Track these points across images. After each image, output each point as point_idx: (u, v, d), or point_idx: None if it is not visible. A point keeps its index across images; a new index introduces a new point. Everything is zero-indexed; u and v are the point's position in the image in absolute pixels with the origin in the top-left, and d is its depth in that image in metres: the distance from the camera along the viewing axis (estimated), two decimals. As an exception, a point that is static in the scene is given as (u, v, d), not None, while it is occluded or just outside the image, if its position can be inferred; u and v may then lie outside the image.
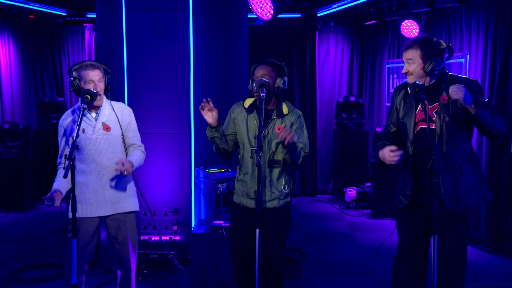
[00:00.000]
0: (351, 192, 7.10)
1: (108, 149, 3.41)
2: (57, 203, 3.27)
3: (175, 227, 4.73)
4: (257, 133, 3.30)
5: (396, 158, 3.04)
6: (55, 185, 3.34)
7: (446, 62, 3.12)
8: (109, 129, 3.41)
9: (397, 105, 3.26)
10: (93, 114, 3.42)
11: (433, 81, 3.14)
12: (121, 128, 3.47)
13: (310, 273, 4.74)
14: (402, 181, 3.24)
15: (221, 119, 3.50)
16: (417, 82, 3.04)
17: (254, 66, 3.43)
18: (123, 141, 3.51)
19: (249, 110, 3.42)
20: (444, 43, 3.13)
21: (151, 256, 4.65)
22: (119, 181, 3.47)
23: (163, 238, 4.74)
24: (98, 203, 3.41)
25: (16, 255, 4.95)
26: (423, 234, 3.21)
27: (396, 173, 3.39)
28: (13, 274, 4.57)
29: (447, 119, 3.05)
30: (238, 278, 3.55)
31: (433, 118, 3.09)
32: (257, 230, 3.04)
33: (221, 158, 3.53)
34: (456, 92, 2.89)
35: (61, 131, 3.45)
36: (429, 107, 3.10)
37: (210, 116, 3.27)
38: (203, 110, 3.27)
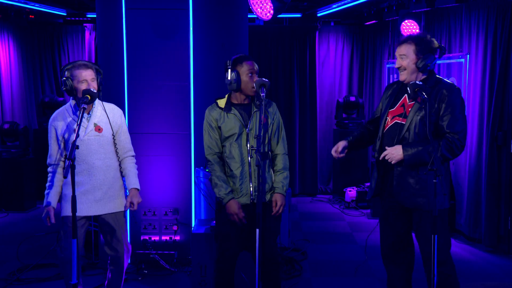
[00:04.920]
0: (351, 192, 7.10)
1: (99, 150, 3.42)
2: (53, 219, 3.32)
3: (175, 227, 4.73)
4: (247, 129, 3.31)
5: (335, 155, 3.34)
6: (48, 199, 3.36)
7: (438, 61, 3.19)
8: (100, 130, 3.41)
9: (383, 100, 3.37)
10: (85, 115, 3.40)
11: (423, 77, 3.17)
12: (112, 129, 3.46)
13: (310, 273, 4.74)
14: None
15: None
16: (417, 82, 3.06)
17: (238, 58, 3.35)
18: (114, 143, 3.50)
19: (227, 108, 3.36)
20: (436, 43, 3.16)
21: (151, 256, 4.65)
22: (109, 182, 3.47)
23: (163, 238, 4.74)
24: (88, 203, 3.41)
25: (16, 255, 4.95)
26: (402, 229, 3.26)
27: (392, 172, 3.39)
28: (13, 274, 4.57)
29: (418, 118, 3.09)
30: (219, 281, 3.44)
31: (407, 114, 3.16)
32: (257, 230, 3.02)
33: None
34: (391, 158, 3.06)
35: (52, 131, 3.44)
36: (408, 103, 3.17)
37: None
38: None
